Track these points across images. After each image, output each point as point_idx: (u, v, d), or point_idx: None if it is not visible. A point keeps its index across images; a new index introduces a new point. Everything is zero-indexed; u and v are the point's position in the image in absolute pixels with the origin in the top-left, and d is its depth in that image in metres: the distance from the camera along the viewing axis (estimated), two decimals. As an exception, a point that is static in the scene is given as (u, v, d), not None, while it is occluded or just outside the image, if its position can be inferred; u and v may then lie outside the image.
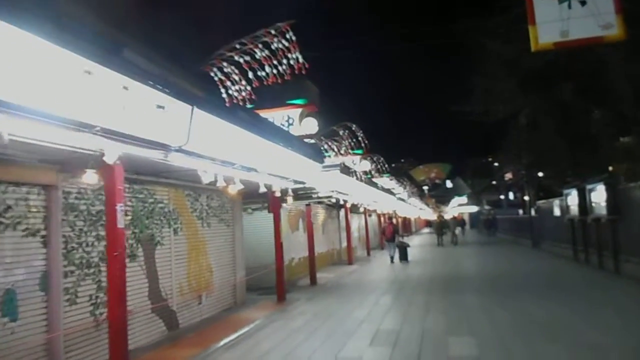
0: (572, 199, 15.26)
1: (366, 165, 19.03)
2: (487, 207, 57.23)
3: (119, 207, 5.44)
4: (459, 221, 31.18)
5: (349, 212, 18.97)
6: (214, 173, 6.65)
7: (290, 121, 10.61)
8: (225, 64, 5.15)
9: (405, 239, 22.74)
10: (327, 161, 12.33)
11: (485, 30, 14.64)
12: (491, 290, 10.40)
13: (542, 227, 21.43)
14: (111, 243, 5.44)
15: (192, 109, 5.23)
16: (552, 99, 17.85)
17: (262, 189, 8.45)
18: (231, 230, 10.47)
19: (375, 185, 18.42)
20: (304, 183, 10.25)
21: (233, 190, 7.78)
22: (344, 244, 20.56)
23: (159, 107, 4.70)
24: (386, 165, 14.31)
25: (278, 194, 9.53)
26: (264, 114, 10.75)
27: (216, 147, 6.06)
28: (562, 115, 18.67)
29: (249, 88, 5.16)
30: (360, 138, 9.91)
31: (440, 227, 26.99)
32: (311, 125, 10.52)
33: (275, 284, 10.75)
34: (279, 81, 5.09)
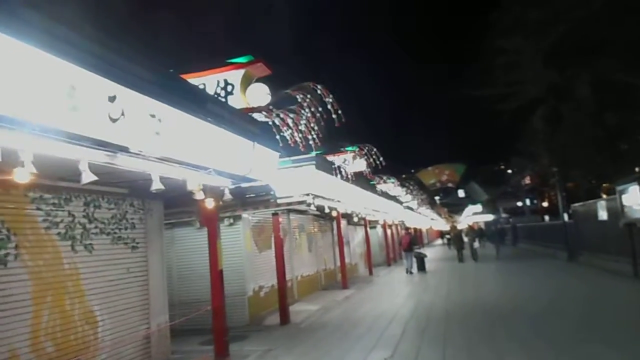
0: (631, 196, 11.55)
1: (361, 164, 15.57)
2: (504, 215, 52.97)
3: None
4: (477, 231, 26.92)
5: (341, 224, 15.35)
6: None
7: (229, 88, 7.15)
8: None
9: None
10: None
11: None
12: (539, 336, 6.72)
13: (580, 236, 17.58)
14: None
15: None
16: (590, 74, 14.22)
17: (157, 186, 4.95)
18: (141, 254, 6.94)
19: (372, 188, 14.86)
20: (248, 181, 6.73)
21: (84, 181, 4.28)
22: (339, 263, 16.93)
23: None
24: (381, 159, 10.79)
25: (201, 196, 6.02)
26: (192, 78, 7.33)
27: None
28: (603, 95, 15.07)
29: None
30: (330, 105, 6.44)
31: (460, 239, 22.47)
32: (259, 93, 7.03)
33: (231, 325, 7.33)
34: None
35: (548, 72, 14.92)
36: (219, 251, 7.20)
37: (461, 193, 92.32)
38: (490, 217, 56.55)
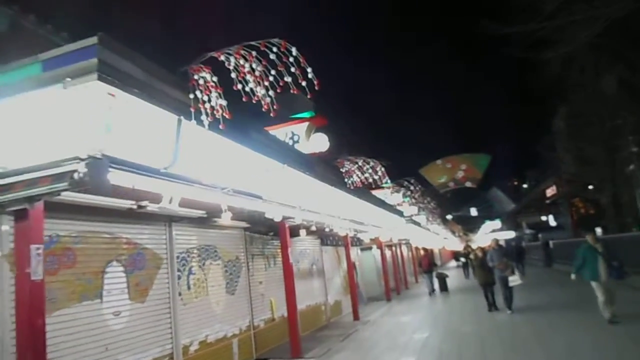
0: None
1: (324, 142, 9.50)
2: (528, 231, 45.81)
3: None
4: (503, 251, 17.96)
5: (288, 244, 8.87)
6: None
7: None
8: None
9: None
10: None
11: None
12: None
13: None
14: None
15: None
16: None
17: None
18: None
19: (339, 180, 8.49)
20: None
21: None
22: (307, 303, 10.54)
23: None
24: (315, 81, 4.56)
25: None
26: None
27: None
28: None
29: None
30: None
31: (486, 268, 11.96)
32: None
33: None
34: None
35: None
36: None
37: (474, 211, 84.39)
38: (511, 234, 49.41)
